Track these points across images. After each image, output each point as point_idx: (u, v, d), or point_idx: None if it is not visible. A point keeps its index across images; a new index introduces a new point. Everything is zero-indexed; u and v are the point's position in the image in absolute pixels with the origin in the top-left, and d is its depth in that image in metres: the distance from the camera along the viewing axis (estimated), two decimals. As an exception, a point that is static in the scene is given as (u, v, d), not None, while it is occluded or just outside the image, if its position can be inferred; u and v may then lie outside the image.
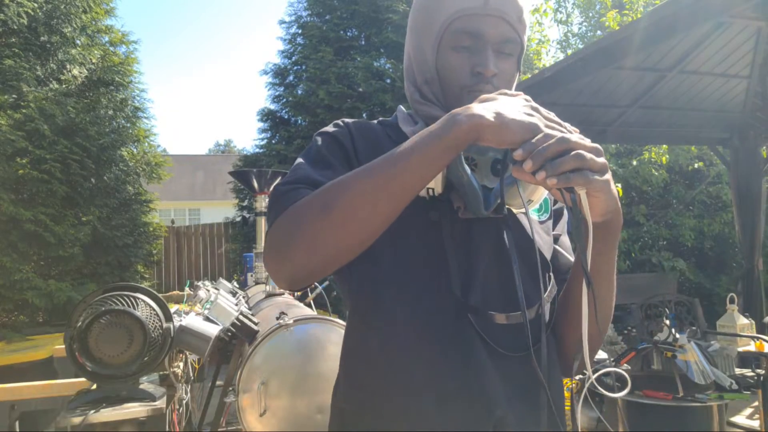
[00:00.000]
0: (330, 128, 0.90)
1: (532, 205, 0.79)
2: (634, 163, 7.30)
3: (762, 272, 4.91)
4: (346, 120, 0.92)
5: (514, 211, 0.84)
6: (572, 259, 0.95)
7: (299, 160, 0.86)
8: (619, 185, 6.75)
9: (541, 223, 0.93)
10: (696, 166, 7.68)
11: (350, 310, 0.89)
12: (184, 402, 2.58)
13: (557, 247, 0.96)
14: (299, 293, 2.99)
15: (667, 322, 2.91)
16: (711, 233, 7.62)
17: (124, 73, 6.79)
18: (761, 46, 3.99)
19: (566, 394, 3.02)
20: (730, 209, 7.16)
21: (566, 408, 2.96)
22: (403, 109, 0.98)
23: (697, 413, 2.51)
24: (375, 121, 0.96)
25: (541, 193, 0.77)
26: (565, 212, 1.00)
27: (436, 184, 0.77)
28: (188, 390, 2.70)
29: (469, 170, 0.76)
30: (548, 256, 0.90)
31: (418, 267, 0.81)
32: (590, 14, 9.66)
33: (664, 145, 6.74)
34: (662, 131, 5.28)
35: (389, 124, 0.94)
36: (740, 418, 3.37)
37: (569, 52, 9.25)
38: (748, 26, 3.69)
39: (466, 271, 0.81)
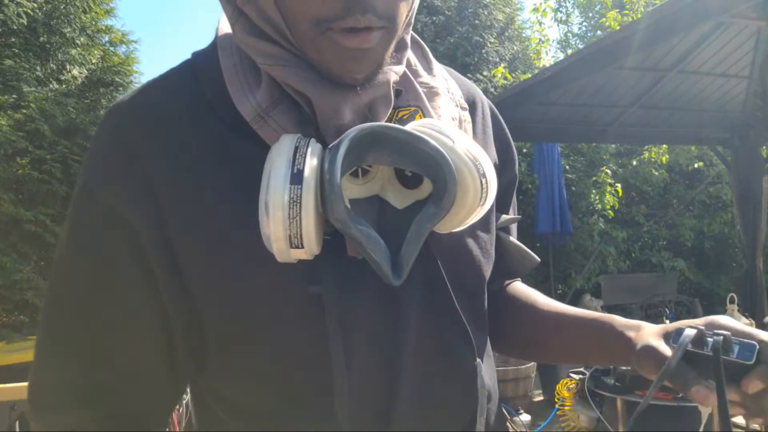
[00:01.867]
0: (90, 182, 0.49)
1: (466, 225, 0.53)
2: (634, 163, 7.30)
3: (762, 272, 4.91)
4: (121, 125, 0.50)
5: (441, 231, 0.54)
6: (526, 250, 0.71)
7: (49, 314, 0.51)
8: (619, 185, 6.75)
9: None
10: (696, 166, 7.68)
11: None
12: (184, 402, 2.58)
13: (502, 235, 0.69)
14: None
15: (667, 322, 2.90)
16: (711, 233, 7.62)
17: (124, 74, 6.78)
18: (761, 46, 3.99)
19: (566, 393, 3.02)
20: (730, 209, 7.16)
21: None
22: (226, 27, 0.54)
23: (697, 413, 2.51)
24: (182, 69, 0.54)
25: (480, 214, 0.51)
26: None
27: (308, 255, 0.46)
28: (188, 390, 2.70)
29: (358, 231, 0.45)
30: (486, 264, 0.63)
31: (294, 384, 0.52)
32: (590, 14, 9.66)
33: (664, 145, 6.74)
34: (662, 131, 5.28)
35: (210, 78, 0.52)
36: (740, 418, 3.37)
37: (569, 52, 9.25)
38: (748, 26, 3.69)
39: (383, 372, 0.53)
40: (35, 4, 6.00)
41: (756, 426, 3.09)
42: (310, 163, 0.44)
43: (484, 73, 7.63)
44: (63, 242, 0.51)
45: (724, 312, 3.47)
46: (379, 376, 0.53)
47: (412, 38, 0.59)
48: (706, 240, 7.73)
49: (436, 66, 0.61)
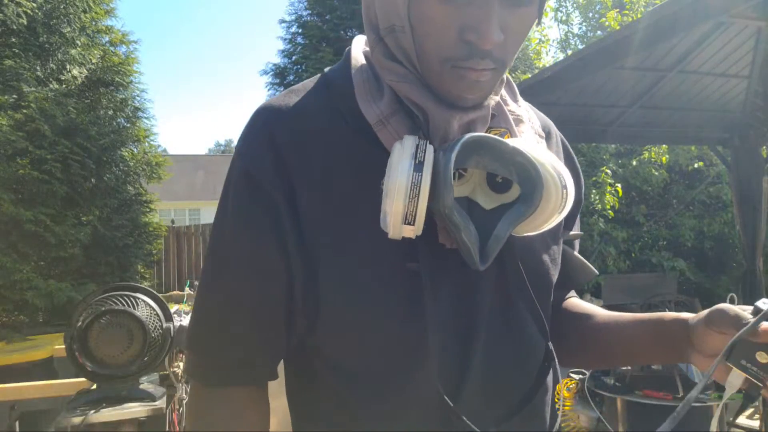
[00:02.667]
0: (247, 163, 0.61)
1: (543, 230, 0.62)
2: (634, 163, 7.30)
3: (762, 272, 4.91)
4: (270, 123, 0.62)
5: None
6: (586, 263, 0.80)
7: (210, 267, 0.64)
8: (619, 185, 6.75)
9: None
10: (696, 166, 7.68)
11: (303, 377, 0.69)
12: (184, 402, 2.58)
13: (567, 248, 0.78)
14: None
15: (667, 322, 2.90)
16: (711, 233, 7.62)
17: (124, 74, 6.78)
18: (761, 46, 3.99)
19: (566, 394, 3.02)
20: (730, 209, 7.16)
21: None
22: (360, 49, 0.67)
23: (697, 413, 2.51)
24: (314, 82, 0.66)
25: (556, 220, 0.60)
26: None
27: (414, 233, 0.56)
28: (188, 390, 2.70)
29: (466, 224, 0.55)
30: (554, 271, 0.72)
31: (391, 344, 0.61)
32: (590, 14, 9.65)
33: (664, 145, 6.74)
34: (662, 131, 5.28)
35: (340, 91, 0.64)
36: (740, 418, 3.37)
37: (569, 52, 9.25)
38: (748, 26, 3.69)
39: (458, 347, 0.61)
40: (35, 4, 6.00)
41: (756, 426, 3.09)
42: (428, 158, 0.54)
43: (484, 73, 7.63)
44: (220, 210, 0.64)
45: (724, 312, 3.47)
46: (457, 347, 0.61)
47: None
48: (706, 240, 7.73)
49: (521, 100, 0.74)
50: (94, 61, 6.60)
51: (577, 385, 2.91)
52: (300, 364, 0.68)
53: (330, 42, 8.28)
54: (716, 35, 3.79)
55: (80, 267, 6.13)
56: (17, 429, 2.43)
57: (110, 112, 6.70)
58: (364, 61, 0.65)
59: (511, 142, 0.57)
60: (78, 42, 6.56)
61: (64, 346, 2.07)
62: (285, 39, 9.11)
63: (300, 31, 8.90)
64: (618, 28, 6.32)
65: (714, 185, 7.74)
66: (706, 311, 0.63)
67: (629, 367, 2.72)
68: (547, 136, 0.76)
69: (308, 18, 8.92)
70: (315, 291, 0.61)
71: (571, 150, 0.81)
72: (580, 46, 9.16)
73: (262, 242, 0.60)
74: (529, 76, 5.88)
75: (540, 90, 3.76)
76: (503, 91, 0.69)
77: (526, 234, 0.61)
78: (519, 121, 0.68)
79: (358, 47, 0.68)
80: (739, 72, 4.32)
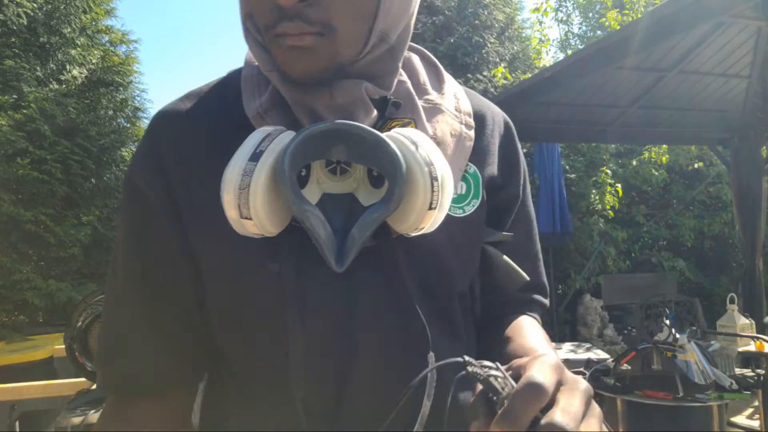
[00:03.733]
0: (129, 173, 0.60)
1: (423, 231, 0.55)
2: (634, 163, 7.30)
3: (762, 272, 4.91)
4: (155, 126, 0.61)
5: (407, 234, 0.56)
6: (513, 267, 0.70)
7: (113, 280, 0.61)
8: (619, 185, 6.75)
9: (463, 217, 0.64)
10: (696, 166, 7.68)
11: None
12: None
13: (493, 251, 0.69)
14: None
15: (667, 322, 2.91)
16: (711, 233, 7.62)
17: (124, 74, 6.78)
18: (761, 46, 3.99)
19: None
20: (730, 209, 7.17)
21: None
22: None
23: (697, 413, 2.51)
24: (220, 78, 0.65)
25: (434, 219, 0.54)
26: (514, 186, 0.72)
27: (260, 230, 0.51)
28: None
29: (309, 217, 0.50)
30: (463, 275, 0.65)
31: (259, 352, 0.58)
32: (590, 14, 9.65)
33: (664, 145, 6.74)
34: (662, 131, 5.28)
35: (234, 89, 0.62)
36: (740, 418, 3.37)
37: (569, 52, 9.25)
38: (748, 26, 3.69)
39: (337, 350, 0.56)
40: (35, 5, 6.00)
41: (756, 426, 3.09)
42: (273, 148, 0.50)
43: (484, 73, 7.63)
44: (117, 221, 0.63)
45: (724, 312, 3.47)
46: (335, 357, 0.56)
47: (429, 60, 0.70)
48: (706, 240, 7.73)
49: (450, 86, 0.68)
50: (94, 61, 6.60)
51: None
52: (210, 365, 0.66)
53: (330, 42, 8.29)
54: (716, 35, 3.79)
55: (80, 267, 6.13)
56: (17, 429, 2.43)
57: (110, 112, 6.70)
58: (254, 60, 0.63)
59: (387, 134, 0.53)
60: (78, 42, 6.56)
61: (64, 346, 2.07)
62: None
63: (300, 31, 8.92)
64: (618, 28, 6.32)
65: (714, 185, 7.74)
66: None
67: (629, 367, 2.72)
68: (481, 124, 0.69)
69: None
70: (201, 294, 0.60)
71: (516, 142, 0.74)
72: (580, 46, 9.16)
73: (151, 250, 0.59)
74: (529, 76, 5.88)
75: (540, 90, 3.76)
76: (424, 78, 0.65)
77: (413, 234, 0.55)
78: (437, 110, 0.63)
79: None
80: (739, 72, 4.32)
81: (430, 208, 0.52)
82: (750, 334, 3.27)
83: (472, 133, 0.65)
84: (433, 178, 0.51)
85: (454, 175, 0.62)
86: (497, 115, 0.73)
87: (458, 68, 7.70)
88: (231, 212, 0.50)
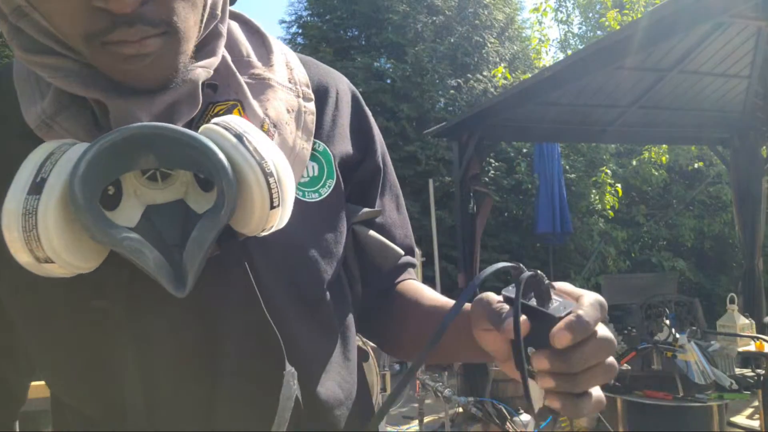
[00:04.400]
0: None
1: (273, 229, 0.49)
2: (634, 163, 7.31)
3: (762, 272, 4.91)
4: None
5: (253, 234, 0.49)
6: (386, 244, 0.67)
7: None
8: (619, 185, 6.76)
9: (318, 203, 0.58)
10: (696, 166, 7.68)
11: None
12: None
13: (361, 229, 0.65)
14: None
15: (667, 322, 2.91)
16: (711, 233, 7.62)
17: (124, 74, 6.79)
18: (761, 46, 3.99)
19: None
20: (730, 209, 7.17)
21: None
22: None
23: (697, 413, 2.51)
24: None
25: (281, 217, 0.48)
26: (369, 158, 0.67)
27: (62, 260, 0.42)
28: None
29: (126, 245, 0.42)
30: (329, 264, 0.58)
31: (89, 399, 0.52)
32: (590, 14, 9.66)
33: (664, 145, 6.74)
34: (662, 131, 5.29)
35: (5, 93, 0.52)
36: (740, 418, 3.37)
37: (569, 52, 9.25)
38: (748, 26, 3.69)
39: (175, 391, 0.51)
40: (35, 4, 6.01)
41: (756, 426, 3.09)
42: (60, 170, 0.41)
43: (484, 73, 7.64)
44: None
45: (724, 312, 3.47)
46: (192, 392, 0.50)
47: (251, 26, 0.59)
48: (706, 240, 7.74)
49: (279, 55, 0.59)
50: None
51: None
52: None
53: (330, 42, 8.28)
54: (716, 35, 3.80)
55: (80, 267, 6.14)
56: (17, 429, 2.43)
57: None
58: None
59: (204, 127, 0.46)
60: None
61: (64, 346, 2.07)
62: (285, 39, 9.12)
63: (300, 31, 8.91)
64: (618, 28, 6.32)
65: (714, 185, 7.75)
66: (470, 305, 0.50)
67: (629, 367, 2.72)
68: (322, 98, 0.62)
69: (308, 18, 8.93)
70: (12, 329, 0.53)
71: (365, 110, 0.68)
72: (580, 46, 9.16)
73: None
74: (529, 76, 5.88)
75: (540, 90, 3.76)
76: (248, 50, 0.57)
77: (263, 234, 0.49)
78: (266, 86, 0.55)
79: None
80: (739, 72, 4.32)
81: (272, 207, 0.46)
82: (750, 334, 3.27)
83: (312, 105, 0.58)
84: (267, 174, 0.45)
85: (301, 155, 0.55)
86: (341, 84, 0.66)
87: (458, 68, 7.71)
88: (23, 258, 0.41)
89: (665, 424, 2.54)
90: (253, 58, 0.56)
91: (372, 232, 0.66)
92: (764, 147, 5.07)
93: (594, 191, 6.78)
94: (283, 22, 9.29)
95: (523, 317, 0.44)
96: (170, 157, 0.44)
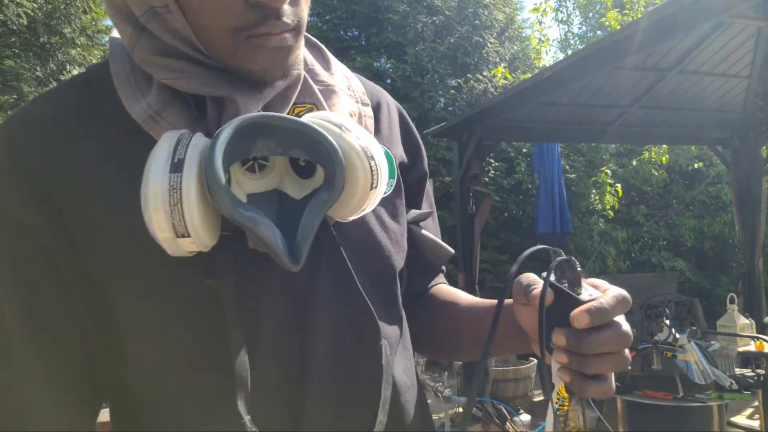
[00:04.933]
0: None
1: (363, 212, 0.54)
2: (634, 163, 7.31)
3: (762, 272, 4.91)
4: (12, 137, 0.51)
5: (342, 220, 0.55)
6: (439, 242, 0.73)
7: None
8: (619, 185, 6.75)
9: (384, 200, 0.61)
10: (696, 166, 7.68)
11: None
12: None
13: (414, 229, 0.70)
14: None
15: (667, 322, 2.91)
16: (711, 233, 7.62)
17: (124, 74, 6.79)
18: (761, 46, 3.99)
19: (566, 394, 3.02)
20: (730, 209, 7.17)
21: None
22: (118, 42, 0.55)
23: (697, 413, 2.51)
24: (75, 79, 0.56)
25: (376, 198, 0.53)
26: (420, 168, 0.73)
27: (199, 245, 0.47)
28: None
29: (249, 217, 0.45)
30: (397, 254, 0.64)
31: (197, 378, 0.52)
32: (590, 14, 9.66)
33: (664, 145, 6.74)
34: (662, 131, 5.28)
35: (104, 90, 0.53)
36: (740, 418, 3.37)
37: (569, 52, 9.25)
38: (748, 26, 3.69)
39: (292, 365, 0.54)
40: (35, 5, 6.00)
41: (756, 426, 3.10)
42: (192, 153, 0.45)
43: (484, 73, 7.63)
44: None
45: (724, 312, 3.47)
46: (291, 365, 0.53)
47: (309, 40, 0.64)
48: (706, 240, 7.74)
49: (336, 66, 0.65)
50: (94, 61, 6.60)
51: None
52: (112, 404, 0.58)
53: (330, 42, 8.28)
54: (716, 35, 3.79)
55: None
56: (17, 429, 2.43)
57: (110, 112, 6.71)
58: (124, 52, 0.55)
59: (303, 117, 0.51)
60: (78, 42, 6.56)
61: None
62: (285, 39, 9.14)
63: (300, 31, 8.93)
64: (618, 28, 6.32)
65: (714, 185, 7.75)
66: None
67: (629, 367, 2.72)
68: (376, 108, 0.68)
69: (308, 18, 8.93)
70: (107, 321, 0.52)
71: (409, 122, 0.74)
72: (580, 46, 9.17)
73: (40, 293, 0.50)
74: (529, 76, 5.88)
75: (540, 90, 3.76)
76: (310, 59, 0.61)
77: (351, 218, 0.54)
78: (330, 92, 0.60)
79: (116, 39, 0.56)
80: (739, 72, 4.32)
81: (372, 188, 0.51)
82: (750, 334, 3.27)
83: (370, 111, 0.63)
84: (370, 158, 0.50)
85: None
86: (388, 96, 0.73)
87: (458, 68, 7.70)
88: (163, 233, 0.44)
89: (665, 424, 2.54)
90: (317, 68, 0.61)
91: (425, 231, 0.71)
92: (764, 147, 5.07)
93: (594, 191, 6.78)
94: (283, 22, 9.25)
95: (549, 292, 0.49)
96: (285, 143, 0.49)
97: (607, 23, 7.09)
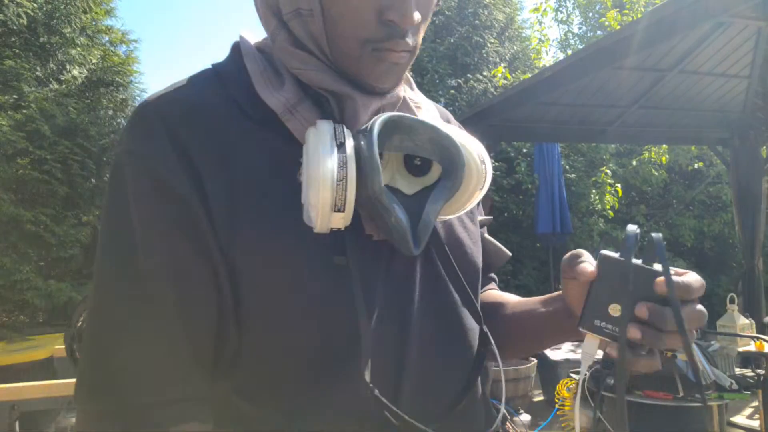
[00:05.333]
0: (144, 155, 0.53)
1: (460, 212, 0.61)
2: (634, 163, 7.31)
3: (762, 272, 4.91)
4: (164, 112, 0.55)
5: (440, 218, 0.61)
6: (499, 245, 0.80)
7: (122, 281, 0.53)
8: (619, 185, 6.75)
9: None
10: (696, 166, 7.68)
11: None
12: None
13: (487, 236, 0.77)
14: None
15: (667, 322, 2.90)
16: (711, 233, 7.62)
17: (124, 73, 6.78)
18: (761, 46, 3.99)
19: (566, 393, 3.02)
20: (730, 209, 7.17)
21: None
22: (250, 41, 0.63)
23: (697, 413, 2.51)
24: (206, 75, 0.61)
25: (478, 198, 0.60)
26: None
27: (344, 222, 0.51)
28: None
29: (396, 208, 0.52)
30: (478, 253, 0.70)
31: (321, 344, 0.56)
32: (590, 14, 9.66)
33: (664, 145, 6.74)
34: (662, 131, 5.28)
35: (235, 81, 0.59)
36: (740, 418, 3.37)
37: (569, 52, 9.25)
38: (748, 26, 3.69)
39: (392, 345, 0.58)
40: (35, 4, 6.00)
41: (756, 426, 3.09)
42: (348, 141, 0.51)
43: (484, 73, 7.63)
44: (114, 224, 0.54)
45: (724, 312, 3.47)
46: (392, 345, 0.58)
47: None
48: (706, 240, 7.74)
49: (414, 86, 0.72)
50: (94, 61, 6.60)
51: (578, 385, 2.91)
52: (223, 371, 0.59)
53: (330, 42, 8.29)
54: (716, 35, 3.79)
55: (80, 267, 6.13)
56: (17, 429, 2.43)
57: (110, 112, 6.70)
58: (256, 52, 0.61)
59: (427, 120, 0.56)
60: (78, 42, 6.56)
61: (64, 346, 2.07)
62: (285, 39, 9.13)
63: (300, 31, 8.93)
64: (618, 28, 6.32)
65: (714, 185, 7.75)
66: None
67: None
68: (446, 120, 0.75)
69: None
70: (236, 293, 0.55)
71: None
72: (580, 46, 9.16)
73: (185, 250, 0.53)
74: (529, 76, 5.88)
75: (540, 90, 3.76)
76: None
77: (448, 217, 0.61)
78: (418, 108, 0.66)
79: (247, 40, 0.63)
80: (739, 72, 4.32)
81: (479, 189, 0.58)
82: (750, 334, 3.27)
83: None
84: (482, 161, 0.57)
85: None
86: (449, 115, 0.80)
87: (458, 68, 7.70)
88: (324, 209, 0.49)
89: (665, 424, 2.54)
90: (406, 86, 0.68)
91: (486, 234, 0.77)
92: (764, 147, 5.07)
93: (594, 191, 6.78)
94: (283, 22, 9.25)
95: (592, 264, 0.54)
96: (413, 141, 0.55)
97: (606, 23, 7.09)
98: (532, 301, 0.72)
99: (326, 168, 0.49)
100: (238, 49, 0.62)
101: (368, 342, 0.53)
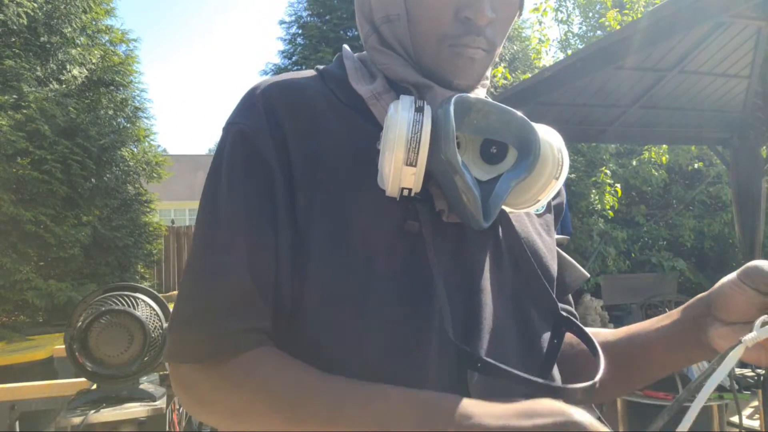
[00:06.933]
0: (242, 126, 0.61)
1: (539, 204, 0.61)
2: (634, 163, 7.30)
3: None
4: (267, 92, 0.63)
5: (510, 210, 0.64)
6: (576, 265, 0.78)
7: (208, 229, 0.60)
8: (619, 185, 6.75)
9: (539, 216, 0.72)
10: (696, 166, 7.68)
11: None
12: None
13: (562, 253, 0.76)
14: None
15: (667, 322, 2.90)
16: (711, 233, 7.62)
17: (124, 73, 6.78)
18: (761, 46, 3.99)
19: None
20: (730, 209, 7.16)
21: None
22: (349, 49, 0.72)
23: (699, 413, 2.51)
24: (310, 72, 0.69)
25: (554, 189, 0.60)
26: (562, 205, 0.80)
27: (415, 181, 0.54)
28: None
29: (468, 174, 0.53)
30: (553, 262, 0.70)
31: (393, 304, 0.57)
32: (590, 14, 9.65)
33: (664, 145, 6.74)
34: (662, 131, 5.28)
35: (333, 76, 0.67)
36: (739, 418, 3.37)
37: (569, 52, 9.25)
38: (748, 26, 3.69)
39: (463, 302, 0.59)
40: (35, 4, 6.00)
41: (756, 426, 3.09)
42: (427, 109, 0.55)
43: (484, 73, 7.63)
44: (212, 180, 0.62)
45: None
46: (459, 323, 0.59)
47: None
48: (706, 240, 7.74)
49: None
50: (94, 61, 6.60)
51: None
52: (288, 338, 0.61)
53: (330, 42, 8.28)
54: (716, 35, 3.79)
55: (80, 267, 6.13)
56: (17, 429, 2.43)
57: (110, 112, 6.70)
58: (354, 56, 0.70)
59: (502, 105, 0.59)
60: (78, 42, 6.56)
61: (64, 346, 2.07)
62: (285, 40, 9.12)
63: (300, 31, 8.91)
64: (618, 28, 6.31)
65: (714, 185, 7.75)
66: (740, 270, 0.60)
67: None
68: None
69: (308, 19, 8.93)
70: (304, 256, 0.58)
71: None
72: (580, 46, 9.16)
73: (259, 202, 0.59)
74: (529, 76, 5.88)
75: (540, 90, 3.76)
76: None
77: (523, 209, 0.62)
78: None
79: (348, 50, 0.72)
80: (739, 72, 4.32)
81: (555, 177, 0.58)
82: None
83: None
84: (558, 150, 0.58)
85: None
86: None
87: (458, 68, 7.70)
88: (398, 163, 0.53)
89: (665, 424, 2.54)
90: (484, 92, 0.71)
91: (561, 251, 0.77)
92: (764, 147, 5.07)
93: (594, 191, 6.78)
94: (283, 22, 9.26)
95: None
96: (488, 123, 0.57)
97: (606, 23, 7.08)
98: (643, 328, 0.72)
99: (402, 122, 0.53)
100: (340, 56, 0.71)
101: (444, 301, 0.55)
